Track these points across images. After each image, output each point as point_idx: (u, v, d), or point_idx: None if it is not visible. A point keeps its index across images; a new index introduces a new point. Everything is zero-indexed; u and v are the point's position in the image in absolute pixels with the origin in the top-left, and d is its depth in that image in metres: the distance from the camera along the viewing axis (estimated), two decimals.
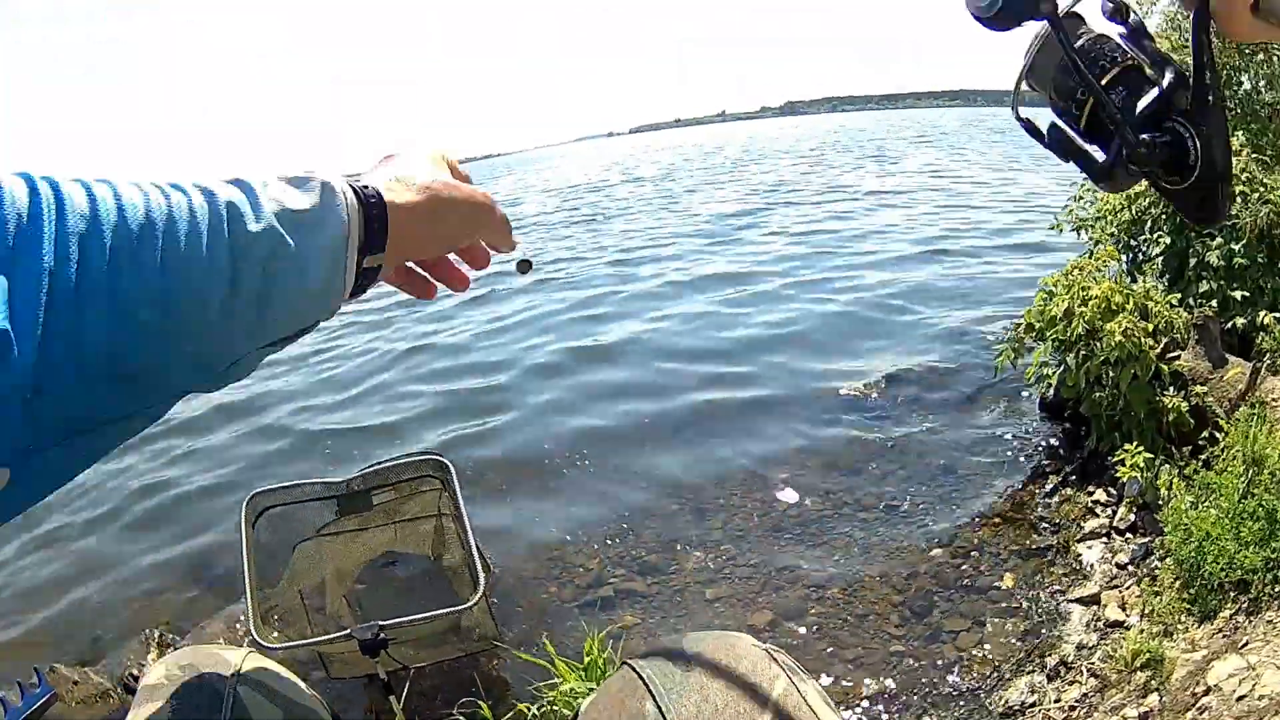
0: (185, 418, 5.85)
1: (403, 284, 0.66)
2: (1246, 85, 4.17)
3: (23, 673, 2.72)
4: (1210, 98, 0.44)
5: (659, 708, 0.64)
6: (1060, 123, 0.49)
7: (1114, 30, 0.50)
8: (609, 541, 3.39)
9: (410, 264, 0.65)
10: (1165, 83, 0.46)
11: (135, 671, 2.93)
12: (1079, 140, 0.48)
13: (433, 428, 4.87)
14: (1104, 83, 0.47)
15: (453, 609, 2.26)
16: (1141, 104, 0.46)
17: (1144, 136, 0.45)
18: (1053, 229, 4.24)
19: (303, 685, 0.82)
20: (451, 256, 0.66)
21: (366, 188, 0.52)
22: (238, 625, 2.96)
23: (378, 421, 5.17)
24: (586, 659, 2.28)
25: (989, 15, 0.47)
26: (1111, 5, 0.49)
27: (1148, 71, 0.47)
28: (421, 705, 2.44)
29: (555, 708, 2.23)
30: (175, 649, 2.99)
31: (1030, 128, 0.52)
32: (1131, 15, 0.49)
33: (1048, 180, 12.89)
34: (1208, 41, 0.44)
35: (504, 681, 2.59)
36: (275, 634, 2.40)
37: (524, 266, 0.78)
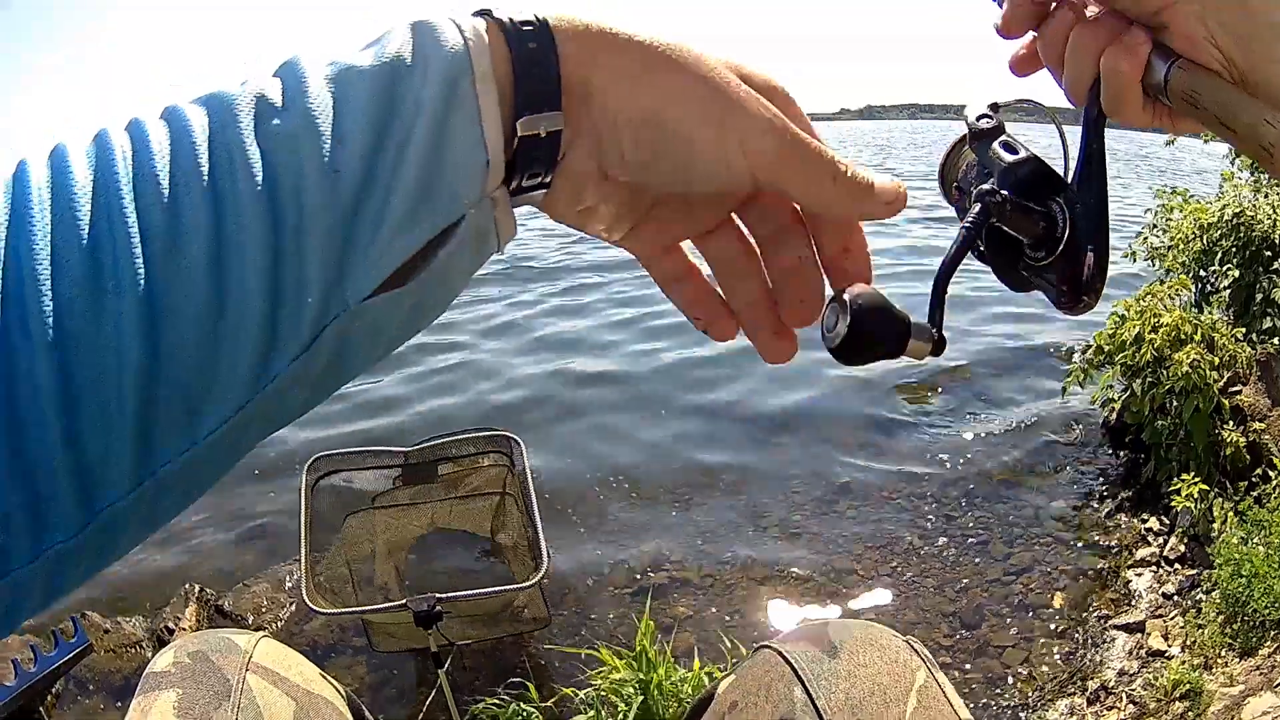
0: None
1: (672, 278, 0.40)
2: None
3: (57, 618, 2.71)
4: (1093, 182, 0.42)
5: (809, 694, 0.63)
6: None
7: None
8: (665, 530, 3.37)
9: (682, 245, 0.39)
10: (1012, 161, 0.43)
11: (171, 624, 2.92)
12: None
13: (503, 413, 4.66)
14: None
15: (514, 587, 2.24)
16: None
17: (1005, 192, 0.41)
18: (1125, 257, 4.20)
19: (318, 671, 0.78)
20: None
21: (515, 19, 0.32)
22: (284, 586, 2.96)
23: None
24: (638, 648, 2.28)
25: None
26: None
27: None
28: (466, 683, 2.44)
29: (603, 694, 2.23)
30: (216, 605, 2.99)
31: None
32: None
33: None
34: (1098, 137, 0.43)
35: (550, 664, 2.58)
36: (323, 601, 2.38)
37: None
